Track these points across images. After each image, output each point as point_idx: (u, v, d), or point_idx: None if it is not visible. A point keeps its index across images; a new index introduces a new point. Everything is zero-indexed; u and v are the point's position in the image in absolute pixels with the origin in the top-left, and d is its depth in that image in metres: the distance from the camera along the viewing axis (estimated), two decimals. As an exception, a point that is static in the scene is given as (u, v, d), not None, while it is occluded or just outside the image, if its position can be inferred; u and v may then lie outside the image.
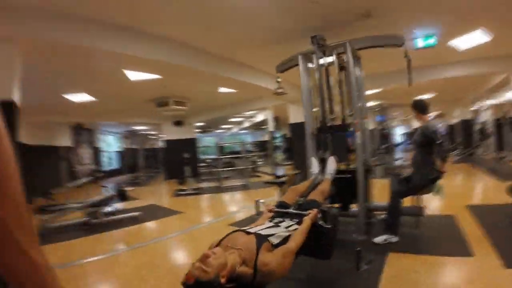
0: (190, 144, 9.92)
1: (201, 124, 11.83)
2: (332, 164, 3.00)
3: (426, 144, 2.93)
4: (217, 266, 1.31)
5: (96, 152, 11.47)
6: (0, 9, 2.52)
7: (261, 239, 1.59)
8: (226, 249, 1.51)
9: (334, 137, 3.31)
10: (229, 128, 15.99)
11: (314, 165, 3.09)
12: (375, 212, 3.36)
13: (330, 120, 3.25)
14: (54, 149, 8.55)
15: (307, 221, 1.89)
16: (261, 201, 2.48)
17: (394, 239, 2.88)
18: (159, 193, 8.33)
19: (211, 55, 4.38)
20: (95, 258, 3.29)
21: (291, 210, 2.14)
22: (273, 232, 1.73)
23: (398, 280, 2.20)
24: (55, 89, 5.26)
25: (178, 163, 8.73)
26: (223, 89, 6.24)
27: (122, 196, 5.26)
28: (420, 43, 4.16)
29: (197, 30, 3.56)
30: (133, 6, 2.93)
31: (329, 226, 1.98)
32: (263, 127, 11.40)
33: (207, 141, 15.15)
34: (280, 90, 3.97)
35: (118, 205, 5.47)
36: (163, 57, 3.82)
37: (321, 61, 3.18)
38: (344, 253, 2.48)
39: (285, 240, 1.71)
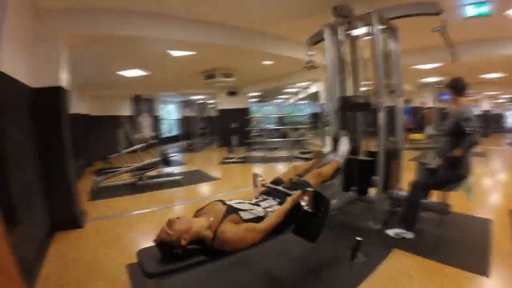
0: (242, 114, 10.24)
1: (258, 94, 11.94)
2: (343, 145, 2.88)
3: (458, 133, 2.56)
4: (179, 230, 1.61)
5: (156, 120, 12.52)
6: (54, 10, 3.16)
7: (230, 210, 1.80)
8: (200, 215, 1.83)
9: (362, 115, 3.18)
10: (285, 99, 15.83)
11: (328, 144, 3.04)
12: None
13: (354, 97, 3.11)
14: (115, 118, 9.60)
15: (288, 202, 1.99)
16: (259, 177, 2.47)
17: (409, 235, 2.67)
18: (208, 159, 8.99)
19: (246, 31, 4.56)
20: (135, 212, 4.10)
21: (279, 188, 2.22)
22: (247, 208, 1.91)
23: (385, 281, 2.11)
24: (111, 68, 6.00)
25: (230, 131, 9.14)
26: (266, 62, 6.27)
27: (166, 161, 5.76)
28: (470, 11, 3.57)
29: (230, 9, 3.79)
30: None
31: (310, 210, 1.99)
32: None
33: (262, 111, 15.33)
34: (310, 64, 3.78)
35: (166, 169, 6.25)
36: (201, 38, 4.27)
37: (352, 32, 3.05)
38: (348, 240, 2.50)
39: (259, 219, 1.86)
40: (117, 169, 5.98)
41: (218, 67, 6.66)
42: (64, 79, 3.38)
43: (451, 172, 2.64)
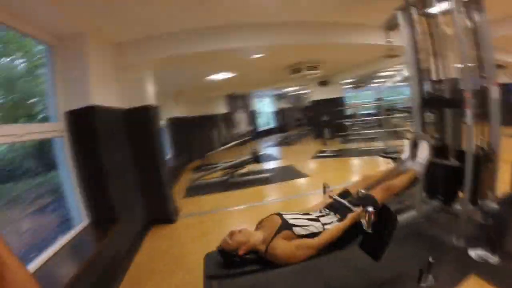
0: (336, 104, 9.84)
1: (352, 80, 11.27)
2: (423, 151, 2.52)
3: None
4: (238, 241, 1.86)
5: (252, 115, 13.24)
6: (130, 42, 3.73)
7: (284, 226, 1.91)
8: (259, 228, 2.04)
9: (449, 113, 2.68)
10: (381, 82, 14.37)
11: (406, 149, 2.70)
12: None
13: (438, 91, 2.67)
14: (212, 117, 10.60)
15: (346, 220, 1.95)
16: (328, 188, 2.41)
17: (493, 259, 2.22)
18: (302, 153, 9.00)
19: (313, 26, 4.34)
20: (224, 210, 4.56)
21: (343, 201, 2.15)
22: (303, 224, 1.95)
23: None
24: (199, 75, 6.61)
25: (323, 123, 8.97)
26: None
27: (256, 159, 6.13)
28: None
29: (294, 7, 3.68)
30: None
31: (370, 231, 1.87)
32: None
33: (359, 97, 14.35)
34: (390, 53, 3.37)
35: (258, 166, 6.56)
36: (276, 40, 4.29)
37: (429, 11, 2.60)
38: (422, 256, 2.18)
39: (314, 235, 1.89)
40: (214, 166, 6.68)
41: (302, 61, 6.56)
42: (149, 97, 4.03)
43: None
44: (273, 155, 9.20)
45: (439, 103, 2.65)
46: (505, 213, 2.29)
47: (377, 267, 2.26)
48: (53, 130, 2.69)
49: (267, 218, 2.07)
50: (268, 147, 11.49)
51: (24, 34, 2.49)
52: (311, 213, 2.12)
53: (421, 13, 2.68)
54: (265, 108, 15.93)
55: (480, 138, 2.49)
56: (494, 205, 2.43)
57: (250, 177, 6.15)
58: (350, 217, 1.93)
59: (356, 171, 6.11)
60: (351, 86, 10.33)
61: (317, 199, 4.26)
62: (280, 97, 13.04)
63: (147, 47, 3.76)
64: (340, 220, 2.00)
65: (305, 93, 13.44)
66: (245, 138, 9.12)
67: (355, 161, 6.85)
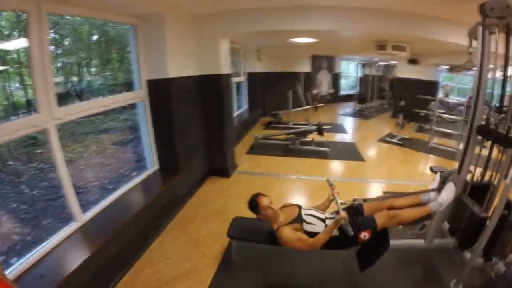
0: (422, 86, 8.89)
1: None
2: (448, 193, 2.51)
3: None
4: (266, 209, 2.40)
5: (335, 77, 12.92)
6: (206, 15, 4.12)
7: (298, 219, 2.41)
8: (283, 210, 2.55)
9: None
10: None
11: (436, 180, 2.72)
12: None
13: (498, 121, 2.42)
14: (292, 75, 10.77)
15: (329, 226, 2.31)
16: (333, 187, 2.70)
17: None
18: (373, 131, 8.75)
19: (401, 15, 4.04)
20: (275, 174, 5.16)
21: (344, 224, 2.28)
22: (312, 222, 2.42)
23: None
24: (280, 38, 6.60)
25: (399, 107, 8.39)
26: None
27: (320, 131, 6.41)
28: None
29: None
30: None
31: (351, 233, 2.19)
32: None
33: (452, 79, 12.49)
34: (469, 65, 3.13)
35: (321, 137, 6.67)
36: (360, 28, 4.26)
37: None
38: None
39: (314, 235, 2.34)
40: (283, 125, 7.14)
41: (390, 39, 6.16)
42: (223, 65, 4.55)
43: None
44: (342, 127, 9.17)
45: (493, 137, 2.33)
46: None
47: (364, 276, 2.58)
48: (137, 97, 3.51)
49: (289, 206, 2.58)
50: (343, 115, 11.36)
51: (114, 21, 3.23)
52: (322, 213, 2.54)
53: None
54: (351, 72, 15.21)
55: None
56: (504, 268, 2.35)
57: (310, 147, 6.46)
58: (333, 222, 2.27)
59: (412, 171, 5.58)
60: (446, 68, 9.04)
61: (355, 187, 4.55)
62: (369, 63, 12.27)
63: (223, 21, 4.16)
64: (339, 228, 2.29)
65: (395, 65, 12.41)
66: (320, 104, 9.26)
67: (419, 157, 6.40)
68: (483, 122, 2.42)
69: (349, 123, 10.12)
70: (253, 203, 2.46)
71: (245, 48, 8.32)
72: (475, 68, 3.10)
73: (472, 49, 3.00)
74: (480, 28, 2.31)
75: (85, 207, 2.77)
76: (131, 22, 3.34)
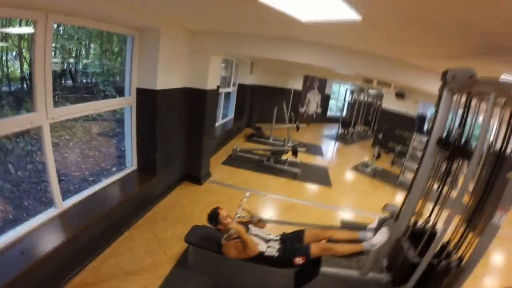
0: (404, 120, 9.66)
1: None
2: (380, 237, 2.96)
3: None
4: (226, 222, 2.91)
5: (325, 98, 13.62)
6: (202, 32, 4.51)
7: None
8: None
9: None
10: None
11: (375, 221, 3.18)
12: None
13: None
14: (282, 91, 11.39)
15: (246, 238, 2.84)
16: (244, 199, 3.23)
17: None
18: (348, 157, 9.39)
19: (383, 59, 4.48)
20: (245, 189, 5.58)
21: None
22: (257, 242, 2.92)
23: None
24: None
25: (377, 139, 9.07)
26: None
27: (294, 152, 6.99)
28: None
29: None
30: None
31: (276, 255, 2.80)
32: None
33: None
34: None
35: (294, 158, 7.24)
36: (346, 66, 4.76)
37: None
38: None
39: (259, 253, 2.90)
40: (263, 139, 7.69)
41: (375, 76, 6.78)
42: (209, 83, 5.03)
43: None
44: (320, 150, 9.78)
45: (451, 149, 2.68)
46: None
47: None
48: (126, 102, 4.00)
49: (242, 224, 3.09)
50: (326, 137, 12.02)
51: (115, 32, 3.72)
52: (266, 235, 3.06)
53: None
54: (341, 94, 15.97)
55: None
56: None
57: (283, 166, 7.00)
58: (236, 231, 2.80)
59: (374, 203, 5.89)
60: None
61: (316, 212, 5.10)
62: (359, 89, 13.04)
63: (217, 40, 4.62)
64: (278, 250, 2.89)
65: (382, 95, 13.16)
66: (302, 125, 9.83)
67: (386, 190, 6.94)
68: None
69: (328, 146, 10.77)
70: (213, 215, 2.97)
71: (238, 61, 8.89)
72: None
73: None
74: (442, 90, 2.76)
75: (64, 195, 3.22)
76: (129, 32, 3.82)
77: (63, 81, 5.74)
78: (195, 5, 2.98)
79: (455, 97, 2.80)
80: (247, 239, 2.80)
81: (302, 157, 7.66)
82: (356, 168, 8.19)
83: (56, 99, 4.81)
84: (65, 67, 5.77)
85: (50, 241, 2.66)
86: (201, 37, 4.66)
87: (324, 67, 6.23)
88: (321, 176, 7.16)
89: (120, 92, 4.55)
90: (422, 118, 9.80)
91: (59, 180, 3.13)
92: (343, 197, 6.16)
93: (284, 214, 4.91)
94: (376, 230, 3.09)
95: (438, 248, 2.64)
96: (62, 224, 2.98)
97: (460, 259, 2.62)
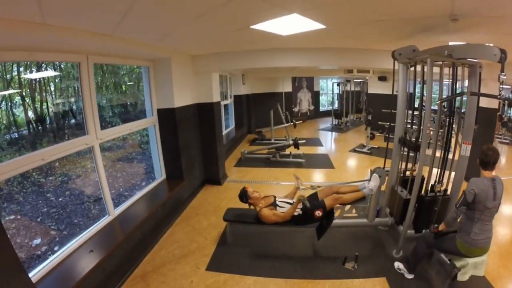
0: (390, 100, 10.34)
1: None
2: (374, 181, 3.72)
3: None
4: (254, 195, 3.70)
5: (315, 95, 14.42)
6: (202, 56, 5.09)
7: (273, 205, 3.69)
8: (263, 198, 3.80)
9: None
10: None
11: (368, 174, 3.97)
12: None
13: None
14: (275, 95, 12.20)
15: (293, 205, 3.59)
16: (299, 181, 3.96)
17: (408, 275, 3.18)
18: (346, 143, 10.15)
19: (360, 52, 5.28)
20: (259, 181, 6.39)
21: (303, 199, 3.58)
22: (283, 206, 3.71)
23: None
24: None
25: (367, 121, 9.78)
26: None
27: (296, 145, 7.74)
28: None
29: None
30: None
31: (306, 210, 3.46)
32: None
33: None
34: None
35: (297, 150, 8.07)
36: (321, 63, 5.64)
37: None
38: (357, 249, 3.68)
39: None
40: (266, 141, 8.52)
41: (351, 66, 7.61)
42: (214, 94, 5.87)
43: (448, 242, 2.79)
44: (318, 141, 10.56)
45: (407, 145, 3.68)
46: (416, 247, 3.10)
47: (323, 245, 3.86)
48: (150, 122, 4.77)
49: (268, 196, 3.81)
50: (322, 130, 12.78)
51: (135, 64, 4.51)
52: (291, 199, 3.79)
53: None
54: (329, 89, 16.80)
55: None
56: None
57: (288, 159, 7.82)
58: (294, 203, 3.54)
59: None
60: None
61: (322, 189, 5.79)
62: (346, 81, 13.88)
63: (215, 60, 5.45)
64: (301, 209, 3.55)
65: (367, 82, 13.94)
66: (298, 122, 10.56)
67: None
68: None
69: (325, 137, 11.51)
70: (243, 193, 3.71)
71: (231, 74, 9.72)
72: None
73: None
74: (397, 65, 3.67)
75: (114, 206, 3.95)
76: (146, 64, 4.61)
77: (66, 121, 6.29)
78: (202, 38, 3.80)
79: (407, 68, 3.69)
80: (290, 211, 3.54)
81: (304, 149, 8.39)
82: (354, 150, 8.95)
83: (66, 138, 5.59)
84: (67, 107, 6.30)
85: (111, 240, 3.33)
86: (201, 60, 5.48)
87: (308, 66, 7.05)
88: (323, 162, 7.91)
89: (125, 120, 5.29)
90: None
91: (99, 199, 3.83)
92: (346, 174, 6.89)
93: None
94: (370, 180, 3.85)
95: (423, 185, 3.44)
96: (118, 227, 3.68)
97: (445, 190, 3.45)
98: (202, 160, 6.02)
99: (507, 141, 10.77)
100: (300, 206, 3.58)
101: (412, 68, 3.59)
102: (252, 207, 3.75)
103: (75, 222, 4.80)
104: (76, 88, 5.68)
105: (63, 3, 1.93)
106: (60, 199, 5.31)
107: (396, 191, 3.76)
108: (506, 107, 11.74)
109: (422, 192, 3.47)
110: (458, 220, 2.75)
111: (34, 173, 4.96)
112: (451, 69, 3.20)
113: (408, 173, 3.83)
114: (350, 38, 4.12)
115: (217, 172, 6.20)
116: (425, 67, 3.30)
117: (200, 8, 2.37)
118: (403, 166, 3.89)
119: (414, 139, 3.58)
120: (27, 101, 4.79)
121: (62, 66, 4.78)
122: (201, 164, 6.02)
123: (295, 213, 3.56)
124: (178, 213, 4.88)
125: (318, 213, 3.56)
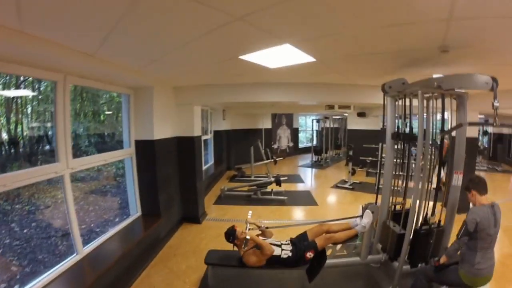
0: (370, 135, 10.62)
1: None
2: (366, 219, 3.60)
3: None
4: (242, 231, 3.40)
5: (294, 132, 14.58)
6: (184, 88, 5.30)
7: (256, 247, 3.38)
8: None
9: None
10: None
11: (360, 210, 3.81)
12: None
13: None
14: (254, 131, 12.22)
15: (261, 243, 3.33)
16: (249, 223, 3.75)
17: None
18: (326, 179, 10.14)
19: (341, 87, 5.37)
20: (245, 220, 5.94)
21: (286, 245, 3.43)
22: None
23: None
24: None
25: (348, 156, 9.89)
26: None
27: (278, 182, 7.57)
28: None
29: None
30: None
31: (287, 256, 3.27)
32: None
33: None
34: None
35: (279, 188, 7.87)
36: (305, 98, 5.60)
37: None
38: None
39: (274, 257, 3.34)
40: (246, 178, 8.23)
41: (335, 102, 7.71)
42: (195, 128, 5.69)
43: (451, 275, 2.71)
44: (299, 177, 10.46)
45: (401, 137, 3.58)
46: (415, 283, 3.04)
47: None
48: (127, 153, 4.50)
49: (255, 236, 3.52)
50: (302, 166, 12.77)
51: (116, 91, 4.33)
52: (277, 241, 3.51)
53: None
54: (309, 125, 17.16)
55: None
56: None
57: (270, 197, 7.56)
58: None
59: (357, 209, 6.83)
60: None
61: (307, 228, 5.49)
62: (324, 118, 14.21)
63: (197, 92, 5.39)
64: (291, 250, 3.34)
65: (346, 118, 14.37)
66: (278, 158, 10.52)
67: (368, 197, 7.41)
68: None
69: (306, 173, 11.48)
70: (231, 232, 3.40)
71: (212, 109, 9.66)
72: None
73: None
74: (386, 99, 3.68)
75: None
76: (127, 92, 4.43)
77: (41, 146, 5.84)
78: (189, 65, 3.72)
79: (396, 102, 3.70)
80: (261, 242, 3.28)
81: (285, 186, 8.23)
82: (335, 186, 8.90)
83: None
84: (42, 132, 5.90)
85: (79, 283, 2.95)
86: (184, 92, 5.39)
87: (290, 102, 7.12)
88: (306, 198, 7.73)
89: (101, 151, 5.04)
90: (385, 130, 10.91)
91: (67, 234, 3.45)
92: (330, 211, 6.73)
93: (280, 234, 5.31)
94: (362, 216, 3.70)
95: (416, 218, 3.31)
96: (87, 267, 3.27)
97: (439, 222, 3.36)
98: (180, 197, 5.69)
99: (484, 168, 11.21)
100: (290, 248, 3.37)
101: (400, 102, 3.62)
102: (235, 248, 3.47)
103: (39, 259, 4.27)
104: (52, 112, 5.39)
105: (45, 10, 1.77)
106: (25, 230, 4.76)
107: (389, 226, 3.62)
108: (481, 136, 12.38)
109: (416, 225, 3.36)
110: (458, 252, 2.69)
111: (-1, 200, 4.48)
112: (435, 101, 3.26)
113: (398, 207, 3.74)
114: (336, 73, 4.18)
115: (196, 210, 5.86)
116: (413, 100, 3.33)
117: (189, 34, 2.29)
118: (393, 200, 3.79)
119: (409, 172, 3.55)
120: (2, 121, 4.43)
121: (41, 88, 4.49)
122: (180, 201, 5.69)
123: (283, 255, 3.32)
124: (154, 253, 4.46)
125: (310, 254, 3.33)
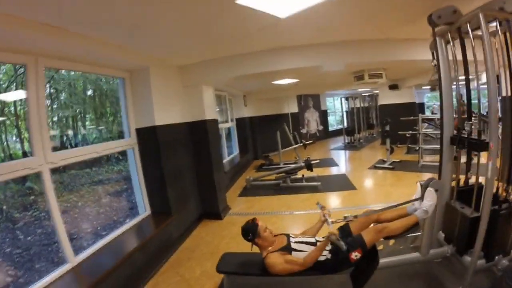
0: (408, 109, 9.44)
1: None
2: (429, 199, 2.62)
3: None
4: (266, 227, 2.60)
5: (323, 114, 13.52)
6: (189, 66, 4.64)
7: (286, 248, 2.53)
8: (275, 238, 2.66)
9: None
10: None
11: (417, 189, 2.79)
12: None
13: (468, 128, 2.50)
14: (280, 116, 11.34)
15: (319, 246, 2.48)
16: (325, 211, 2.86)
17: None
18: (362, 160, 9.14)
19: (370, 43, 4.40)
20: (269, 213, 5.30)
21: (336, 239, 2.42)
22: (303, 249, 2.53)
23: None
24: (265, 81, 7.25)
25: (384, 132, 8.72)
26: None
27: (309, 167, 6.70)
28: None
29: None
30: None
31: (344, 248, 2.33)
32: None
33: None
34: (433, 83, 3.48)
35: (311, 173, 6.99)
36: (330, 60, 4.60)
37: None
38: None
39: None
40: (274, 166, 7.46)
41: (366, 69, 6.68)
42: (206, 113, 4.94)
43: None
44: (333, 161, 9.50)
45: (467, 145, 2.47)
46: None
47: None
48: (127, 144, 3.84)
49: (278, 236, 2.69)
50: (334, 149, 11.77)
51: (106, 75, 3.71)
52: (312, 237, 2.67)
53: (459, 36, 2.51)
54: (337, 107, 15.97)
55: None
56: (507, 263, 2.39)
57: (301, 184, 6.70)
58: (324, 239, 2.46)
59: (405, 191, 5.58)
60: (428, 88, 9.71)
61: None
62: (353, 96, 13.04)
63: (205, 70, 4.62)
64: (330, 251, 2.48)
65: (377, 95, 13.22)
66: (308, 142, 9.59)
67: (412, 177, 6.53)
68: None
69: (339, 156, 10.48)
70: (251, 227, 2.58)
71: (231, 95, 8.90)
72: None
73: (435, 62, 3.17)
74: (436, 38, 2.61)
75: (77, 251, 2.95)
76: (119, 75, 3.78)
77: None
78: (179, 32, 3.05)
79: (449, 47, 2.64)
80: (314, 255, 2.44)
81: (317, 171, 7.32)
82: (374, 167, 7.86)
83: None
84: (65, 140, 5.65)
85: None
86: (190, 71, 4.66)
87: (312, 68, 6.17)
88: (342, 183, 6.76)
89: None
90: (421, 104, 9.73)
91: (71, 239, 2.86)
92: (372, 195, 5.77)
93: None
94: (422, 197, 2.72)
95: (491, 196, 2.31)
96: (76, 279, 2.66)
97: None
98: (198, 191, 4.99)
99: None
100: (328, 247, 2.50)
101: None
102: (257, 248, 2.65)
103: (36, 268, 3.78)
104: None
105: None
106: (28, 237, 4.32)
107: (455, 208, 2.62)
108: None
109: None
110: None
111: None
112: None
113: (461, 182, 2.70)
114: (365, 19, 3.20)
115: (216, 204, 5.14)
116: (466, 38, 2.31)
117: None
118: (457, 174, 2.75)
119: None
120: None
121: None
122: (197, 196, 4.99)
123: (321, 258, 2.46)
124: (165, 257, 3.79)
125: (356, 255, 2.43)
